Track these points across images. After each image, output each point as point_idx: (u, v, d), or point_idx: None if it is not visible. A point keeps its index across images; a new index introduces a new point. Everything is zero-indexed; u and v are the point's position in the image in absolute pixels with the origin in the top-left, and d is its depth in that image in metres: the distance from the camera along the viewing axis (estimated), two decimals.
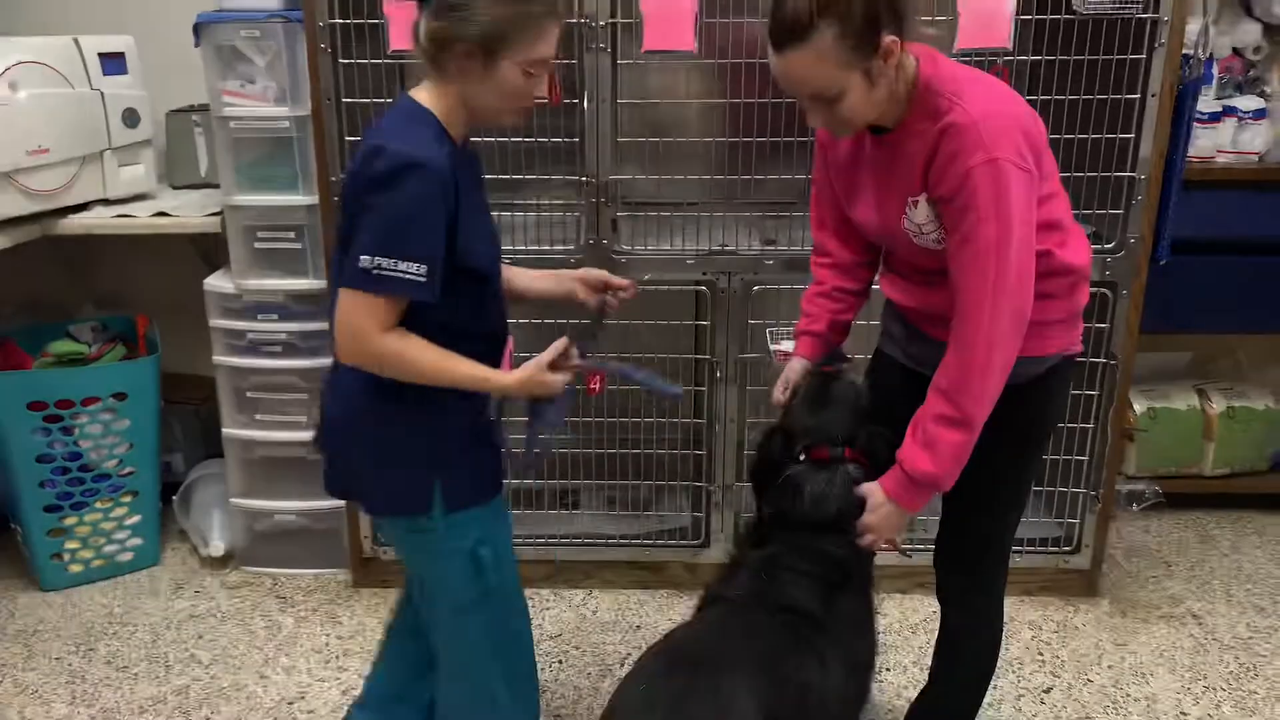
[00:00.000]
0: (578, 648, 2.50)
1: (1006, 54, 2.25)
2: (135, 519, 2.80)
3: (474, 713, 1.75)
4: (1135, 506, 3.09)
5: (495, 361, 1.62)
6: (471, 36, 1.45)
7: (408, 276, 1.44)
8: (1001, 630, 1.89)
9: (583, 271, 1.83)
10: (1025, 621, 2.60)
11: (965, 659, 1.90)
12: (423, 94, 1.54)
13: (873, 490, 1.64)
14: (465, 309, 1.56)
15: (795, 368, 1.86)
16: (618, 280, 1.81)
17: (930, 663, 1.98)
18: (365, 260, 1.44)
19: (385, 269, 1.43)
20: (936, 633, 1.94)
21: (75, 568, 2.76)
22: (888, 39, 1.44)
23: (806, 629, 1.58)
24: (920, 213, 1.56)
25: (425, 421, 1.57)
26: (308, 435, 2.62)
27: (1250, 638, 2.55)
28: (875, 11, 1.42)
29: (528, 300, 1.85)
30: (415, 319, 1.51)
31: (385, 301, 1.46)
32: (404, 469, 1.59)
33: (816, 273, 1.91)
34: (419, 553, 1.69)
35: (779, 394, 1.84)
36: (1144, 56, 2.28)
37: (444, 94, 1.52)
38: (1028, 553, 2.66)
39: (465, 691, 1.74)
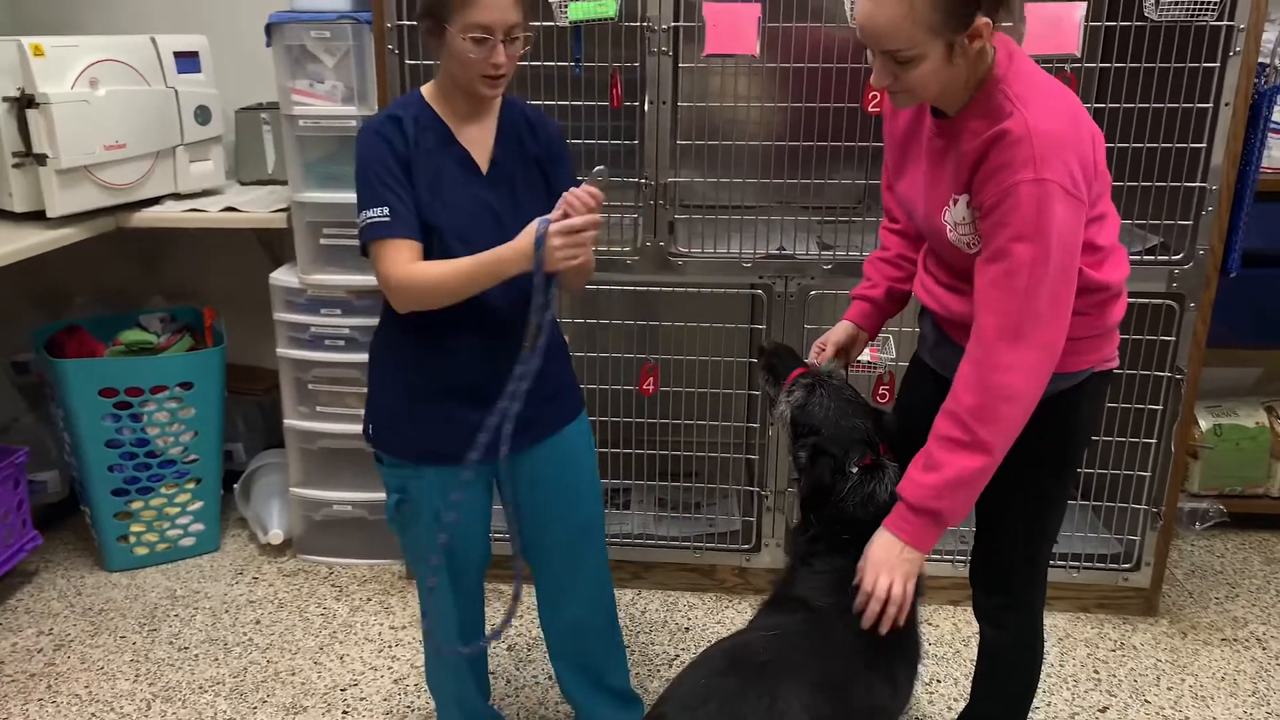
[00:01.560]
0: (626, 646, 2.51)
1: (1075, 60, 2.21)
2: (198, 505, 2.88)
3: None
4: (1198, 525, 3.01)
5: (483, 333, 1.71)
6: (422, 14, 1.64)
7: (375, 220, 1.63)
8: (1041, 647, 1.84)
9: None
10: (1081, 639, 2.55)
11: (1005, 676, 1.86)
12: (430, 83, 1.75)
13: (876, 534, 1.56)
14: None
15: (838, 330, 1.86)
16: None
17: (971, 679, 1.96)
18: (359, 217, 1.65)
19: (364, 220, 1.64)
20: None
21: (140, 550, 2.85)
22: (981, 19, 1.38)
23: (885, 649, 1.55)
24: (959, 211, 1.51)
25: (381, 371, 1.79)
26: None
27: None
28: None
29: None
30: None
31: (378, 247, 1.64)
32: (369, 404, 1.83)
33: (884, 237, 1.88)
34: None
35: (816, 353, 1.86)
36: (1218, 64, 2.23)
37: (439, 76, 1.72)
38: (1085, 568, 2.61)
39: None
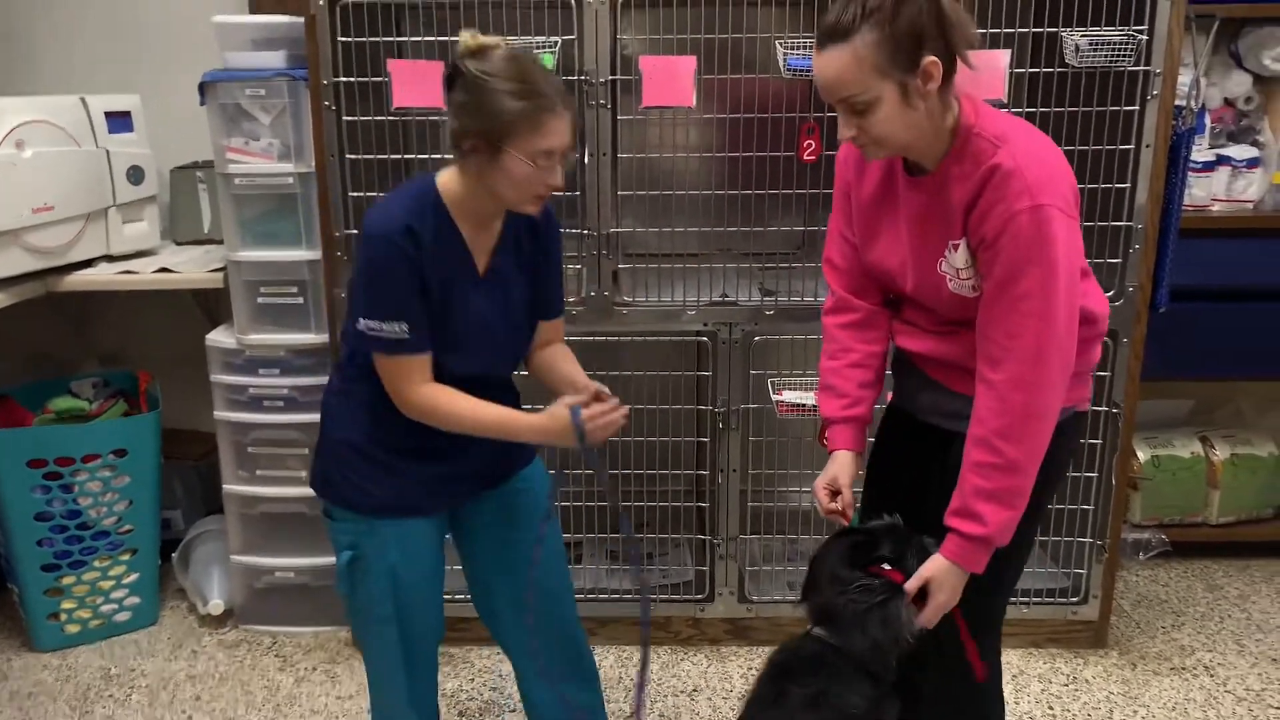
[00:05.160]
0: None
1: (1002, 106, 2.28)
2: (133, 577, 2.78)
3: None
4: (1142, 555, 3.06)
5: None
6: (477, 130, 1.54)
7: (393, 336, 1.59)
8: (1003, 708, 1.81)
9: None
10: (1035, 674, 2.56)
11: None
12: (446, 172, 1.64)
13: (934, 564, 1.56)
14: (443, 376, 1.66)
15: (844, 467, 1.74)
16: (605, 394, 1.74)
17: None
18: (362, 323, 1.59)
19: (373, 330, 1.58)
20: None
21: (72, 628, 2.73)
22: (928, 59, 1.42)
23: None
24: (959, 257, 1.53)
25: (335, 422, 1.74)
26: (308, 490, 2.64)
27: (1263, 690, 2.51)
28: (920, 27, 1.41)
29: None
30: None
31: (394, 362, 1.61)
32: (321, 455, 1.77)
33: (838, 335, 1.78)
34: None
35: (828, 500, 1.73)
36: (1137, 108, 2.31)
37: (461, 177, 1.62)
38: (1035, 604, 2.63)
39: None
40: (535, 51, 2.25)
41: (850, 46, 1.42)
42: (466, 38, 1.55)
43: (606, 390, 1.69)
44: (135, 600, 2.79)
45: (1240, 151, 2.88)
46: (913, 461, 1.74)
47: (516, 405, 1.80)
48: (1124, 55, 2.26)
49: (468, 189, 1.62)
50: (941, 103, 1.48)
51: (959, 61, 1.46)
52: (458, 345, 1.66)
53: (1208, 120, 2.89)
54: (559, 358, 1.81)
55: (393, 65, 2.30)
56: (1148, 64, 2.28)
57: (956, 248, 1.53)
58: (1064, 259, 1.44)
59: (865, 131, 1.48)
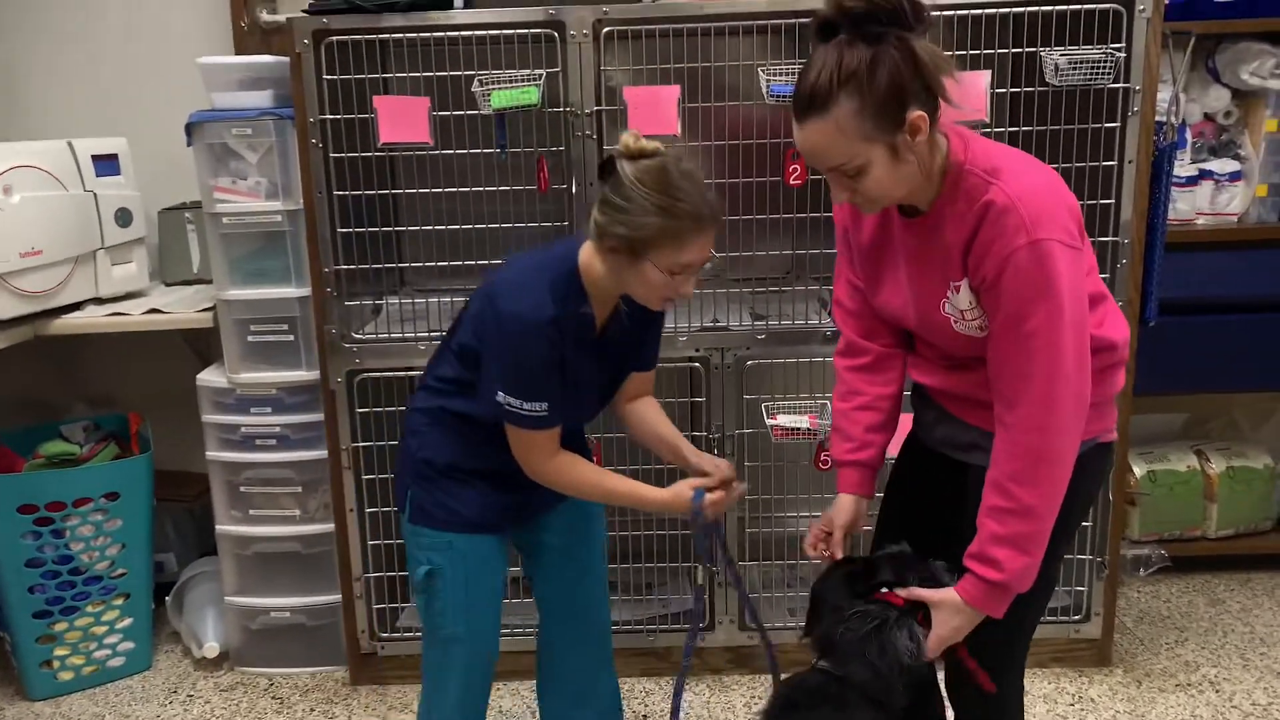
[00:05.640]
0: None
1: (984, 125, 2.30)
2: (127, 622, 2.74)
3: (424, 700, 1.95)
4: (1142, 571, 3.05)
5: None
6: (621, 236, 1.59)
7: (534, 414, 1.66)
8: None
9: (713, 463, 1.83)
10: (1040, 695, 2.54)
11: None
12: (587, 251, 1.68)
13: (942, 594, 1.53)
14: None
15: (841, 509, 1.72)
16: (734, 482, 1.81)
17: None
18: (500, 396, 1.65)
19: (514, 407, 1.65)
20: None
21: (65, 675, 2.69)
22: (914, 114, 1.37)
23: None
24: (963, 298, 1.48)
25: (423, 441, 1.80)
26: (302, 529, 2.62)
27: (1270, 704, 2.49)
28: (900, 85, 1.35)
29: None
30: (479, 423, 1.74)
31: (530, 435, 1.69)
32: (403, 469, 1.84)
33: (847, 378, 1.75)
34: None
35: (817, 539, 1.73)
36: (1119, 124, 2.33)
37: (600, 264, 1.67)
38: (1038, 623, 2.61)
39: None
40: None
41: (831, 119, 1.37)
42: (628, 138, 1.60)
43: (732, 472, 1.78)
44: (129, 645, 2.76)
45: (1222, 165, 2.91)
46: (928, 492, 1.71)
47: (584, 446, 1.96)
48: (1103, 73, 2.28)
49: (604, 277, 1.67)
50: (930, 145, 1.43)
51: (941, 102, 1.41)
52: (576, 410, 1.75)
53: (1188, 135, 2.92)
54: (657, 420, 1.89)
55: (379, 101, 2.31)
56: (1127, 81, 2.30)
57: (958, 289, 1.49)
58: (1068, 293, 1.39)
59: (859, 193, 1.45)
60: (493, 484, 1.80)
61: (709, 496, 1.74)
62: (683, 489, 1.75)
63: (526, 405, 1.64)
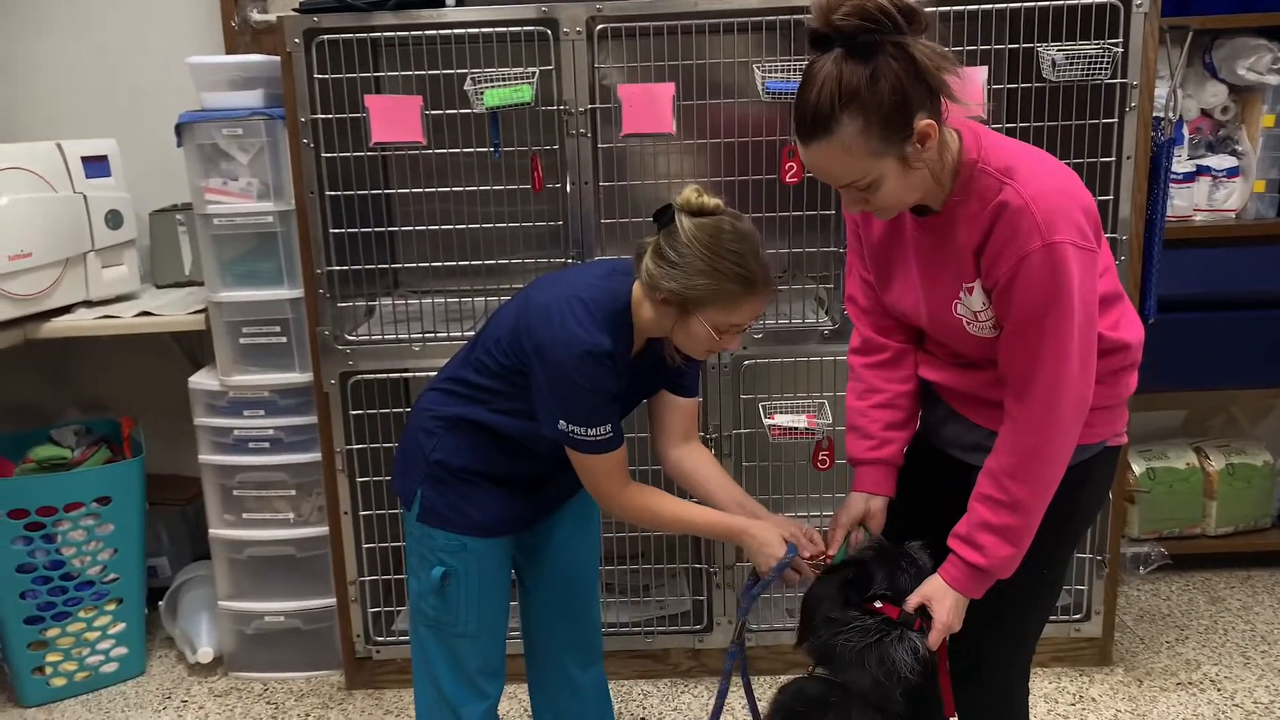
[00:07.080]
0: None
1: (981, 122, 2.28)
2: (120, 627, 2.72)
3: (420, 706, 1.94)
4: (1142, 570, 3.04)
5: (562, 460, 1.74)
6: (672, 291, 1.58)
7: (599, 438, 1.65)
8: None
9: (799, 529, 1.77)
10: (1041, 694, 2.53)
11: None
12: (640, 291, 1.66)
13: (932, 584, 1.53)
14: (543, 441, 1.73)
15: (853, 507, 1.70)
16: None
17: None
18: (563, 425, 1.64)
19: (579, 434, 1.64)
20: None
21: (58, 681, 2.67)
22: (922, 123, 1.33)
23: None
24: (976, 300, 1.47)
25: (436, 444, 1.77)
26: (296, 532, 2.60)
27: (1272, 702, 2.48)
28: (904, 96, 1.31)
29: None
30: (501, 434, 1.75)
31: (597, 460, 1.67)
32: (412, 471, 1.80)
33: (865, 376, 1.72)
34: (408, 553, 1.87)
35: (812, 552, 1.71)
36: (1116, 120, 2.32)
37: (650, 309, 1.66)
38: None
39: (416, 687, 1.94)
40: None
41: (836, 141, 1.34)
42: (690, 193, 1.59)
43: (821, 544, 1.72)
44: (122, 650, 2.73)
45: (1219, 161, 2.90)
46: (934, 493, 1.69)
47: None
48: (1100, 68, 2.26)
49: (652, 321, 1.66)
50: (940, 146, 1.40)
51: (947, 102, 1.38)
52: None
53: (1186, 131, 2.91)
54: (716, 477, 1.82)
55: (371, 101, 2.29)
56: (1124, 76, 2.29)
57: (971, 290, 1.47)
58: (1080, 297, 1.38)
59: (873, 204, 1.43)
60: (509, 492, 1.80)
61: (799, 560, 1.69)
62: (775, 538, 1.69)
63: (591, 431, 1.64)
